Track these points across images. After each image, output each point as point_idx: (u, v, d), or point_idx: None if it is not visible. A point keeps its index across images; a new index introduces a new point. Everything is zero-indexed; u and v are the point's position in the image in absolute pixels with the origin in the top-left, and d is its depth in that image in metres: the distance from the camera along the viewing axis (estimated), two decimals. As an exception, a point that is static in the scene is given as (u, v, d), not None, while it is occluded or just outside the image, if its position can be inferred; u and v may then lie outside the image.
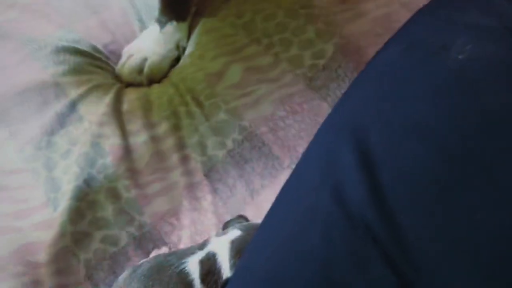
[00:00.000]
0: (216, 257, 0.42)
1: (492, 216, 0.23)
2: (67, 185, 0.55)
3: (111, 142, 0.58)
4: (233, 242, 0.43)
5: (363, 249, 0.25)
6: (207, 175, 0.55)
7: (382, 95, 0.29)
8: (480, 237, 0.23)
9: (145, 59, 0.65)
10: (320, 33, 0.63)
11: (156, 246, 0.51)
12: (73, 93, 0.62)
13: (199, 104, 0.60)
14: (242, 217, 0.50)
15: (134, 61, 0.65)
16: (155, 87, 0.64)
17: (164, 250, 0.51)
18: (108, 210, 0.53)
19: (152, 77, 0.65)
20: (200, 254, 0.43)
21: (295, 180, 0.32)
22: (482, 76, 0.26)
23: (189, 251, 0.44)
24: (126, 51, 0.67)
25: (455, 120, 0.25)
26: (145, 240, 0.52)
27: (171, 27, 0.66)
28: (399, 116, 0.26)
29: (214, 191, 0.54)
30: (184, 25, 0.68)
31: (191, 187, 0.55)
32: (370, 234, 0.24)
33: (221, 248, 0.43)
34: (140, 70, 0.65)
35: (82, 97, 0.61)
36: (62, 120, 0.60)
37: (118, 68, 0.66)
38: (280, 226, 0.30)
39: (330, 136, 0.30)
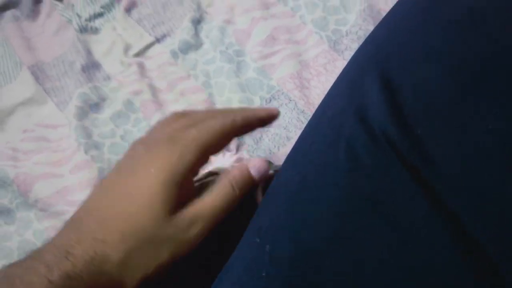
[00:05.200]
0: None
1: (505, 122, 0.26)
2: (103, 140, 0.58)
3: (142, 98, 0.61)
4: None
5: (385, 158, 0.27)
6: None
7: (403, 29, 0.32)
8: (492, 140, 0.26)
9: None
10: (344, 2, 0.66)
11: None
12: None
13: (230, 60, 0.63)
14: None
15: None
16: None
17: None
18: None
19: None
20: None
21: (322, 108, 0.35)
22: (491, 12, 0.28)
23: None
24: None
25: (464, 47, 0.28)
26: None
27: None
28: (417, 45, 0.30)
29: (240, 143, 0.57)
30: None
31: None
32: (392, 146, 0.27)
33: None
34: None
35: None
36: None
37: None
38: (308, 145, 0.33)
39: (355, 69, 0.33)
